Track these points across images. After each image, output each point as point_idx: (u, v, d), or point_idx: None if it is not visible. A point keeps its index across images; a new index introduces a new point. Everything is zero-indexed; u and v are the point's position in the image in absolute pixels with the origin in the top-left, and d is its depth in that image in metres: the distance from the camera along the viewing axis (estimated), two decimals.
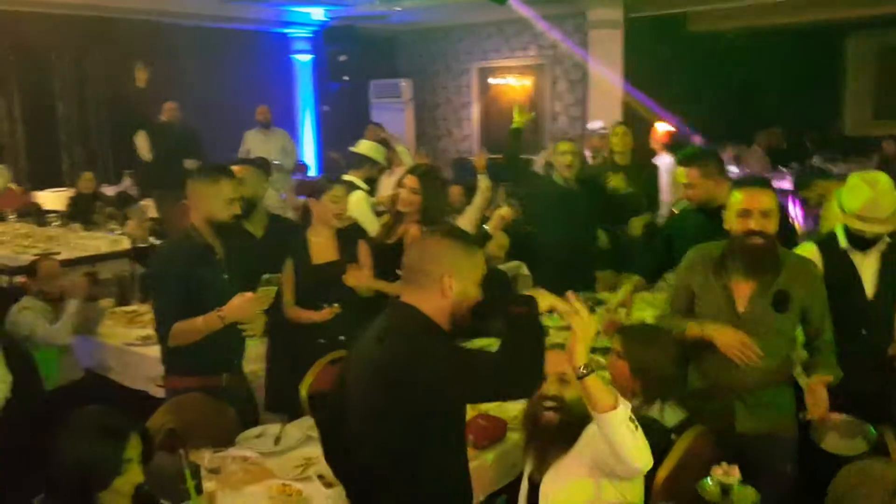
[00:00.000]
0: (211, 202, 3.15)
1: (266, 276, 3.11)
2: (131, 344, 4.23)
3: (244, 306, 3.06)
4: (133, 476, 2.07)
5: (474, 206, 5.95)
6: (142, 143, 7.96)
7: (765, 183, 2.97)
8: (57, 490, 2.04)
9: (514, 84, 11.06)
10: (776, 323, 2.83)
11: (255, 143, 8.73)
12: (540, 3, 9.27)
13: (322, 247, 3.73)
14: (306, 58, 11.64)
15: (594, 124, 7.60)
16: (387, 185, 5.89)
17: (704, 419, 2.67)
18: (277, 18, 10.77)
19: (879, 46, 10.69)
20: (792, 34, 10.03)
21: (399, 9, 8.09)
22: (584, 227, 5.04)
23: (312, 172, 10.87)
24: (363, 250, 3.78)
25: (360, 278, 3.67)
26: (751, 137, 9.61)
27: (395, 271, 3.50)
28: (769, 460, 2.78)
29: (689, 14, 9.75)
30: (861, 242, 3.06)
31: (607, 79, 9.41)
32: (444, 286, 2.12)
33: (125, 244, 5.80)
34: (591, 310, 4.38)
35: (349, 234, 3.83)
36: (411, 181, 3.90)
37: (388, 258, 3.64)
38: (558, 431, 2.44)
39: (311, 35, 11.43)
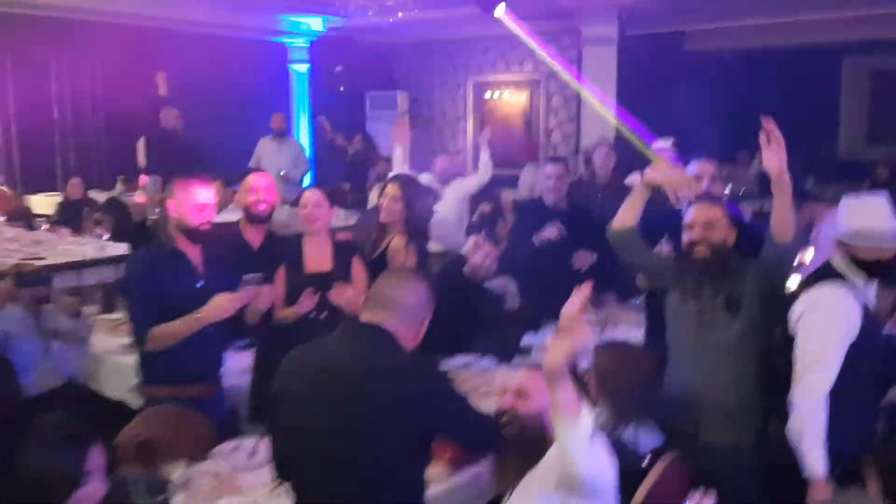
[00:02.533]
0: (182, 207, 3.14)
1: (248, 276, 3.12)
2: (111, 353, 4.21)
3: (223, 306, 3.06)
4: (95, 488, 2.04)
5: (469, 179, 6.03)
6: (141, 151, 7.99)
7: (711, 199, 3.16)
8: (13, 500, 2.01)
9: (509, 99, 11.09)
10: (733, 328, 2.92)
11: (268, 152, 8.72)
12: (535, 19, 9.30)
13: (316, 256, 3.71)
14: (303, 68, 11.67)
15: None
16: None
17: (668, 430, 2.68)
18: (275, 28, 10.80)
19: (874, 69, 10.72)
20: (789, 55, 10.06)
21: (397, 20, 8.10)
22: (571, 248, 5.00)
23: (307, 181, 10.88)
24: (358, 266, 3.74)
25: (349, 298, 3.59)
26: (744, 158, 9.61)
27: None
28: (735, 474, 2.79)
29: (686, 33, 9.79)
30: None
31: (601, 95, 9.42)
32: (421, 329, 2.24)
33: (111, 250, 5.77)
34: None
35: (346, 247, 3.82)
36: (393, 189, 3.88)
37: (374, 271, 3.62)
38: (518, 445, 2.44)
39: (308, 45, 11.47)
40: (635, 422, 2.65)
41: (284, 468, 2.32)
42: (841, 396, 2.66)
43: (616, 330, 4.25)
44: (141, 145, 8.91)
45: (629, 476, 2.47)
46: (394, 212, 3.81)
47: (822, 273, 2.81)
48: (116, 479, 2.35)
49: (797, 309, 2.76)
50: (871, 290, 2.86)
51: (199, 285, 3.17)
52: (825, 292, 2.73)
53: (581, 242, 4.76)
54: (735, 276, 2.96)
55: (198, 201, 3.13)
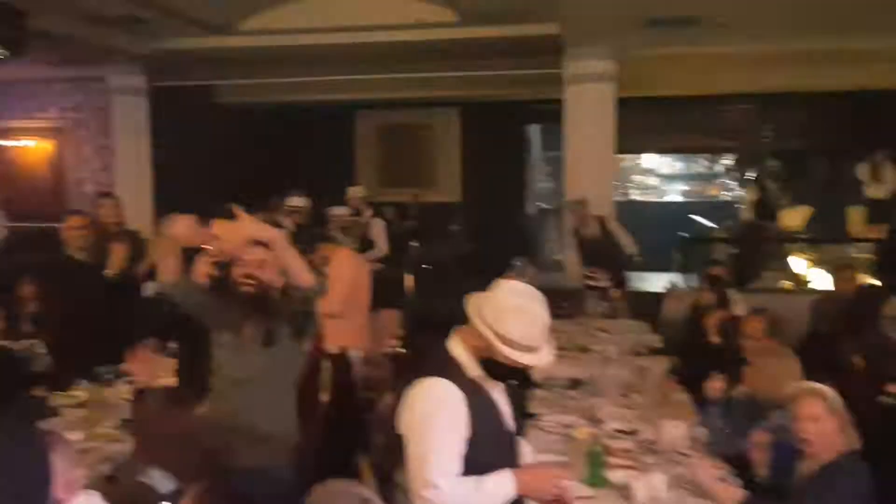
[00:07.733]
0: None
1: None
2: None
3: None
4: None
5: None
6: None
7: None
8: None
9: (32, 147, 10.38)
10: (268, 360, 3.22)
11: None
12: (57, 65, 8.93)
13: None
14: None
15: None
16: None
17: (208, 457, 2.93)
18: None
19: (382, 123, 12.45)
20: (311, 110, 11.13)
21: None
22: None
23: None
24: None
25: None
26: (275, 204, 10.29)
27: None
28: (269, 495, 3.07)
29: (216, 86, 10.17)
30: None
31: (135, 145, 9.39)
32: None
33: None
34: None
35: None
36: None
37: None
38: None
39: None
40: (154, 465, 2.83)
41: None
42: None
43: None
44: None
45: None
46: None
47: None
48: None
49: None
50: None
51: None
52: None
53: None
54: (273, 314, 3.24)
55: None
